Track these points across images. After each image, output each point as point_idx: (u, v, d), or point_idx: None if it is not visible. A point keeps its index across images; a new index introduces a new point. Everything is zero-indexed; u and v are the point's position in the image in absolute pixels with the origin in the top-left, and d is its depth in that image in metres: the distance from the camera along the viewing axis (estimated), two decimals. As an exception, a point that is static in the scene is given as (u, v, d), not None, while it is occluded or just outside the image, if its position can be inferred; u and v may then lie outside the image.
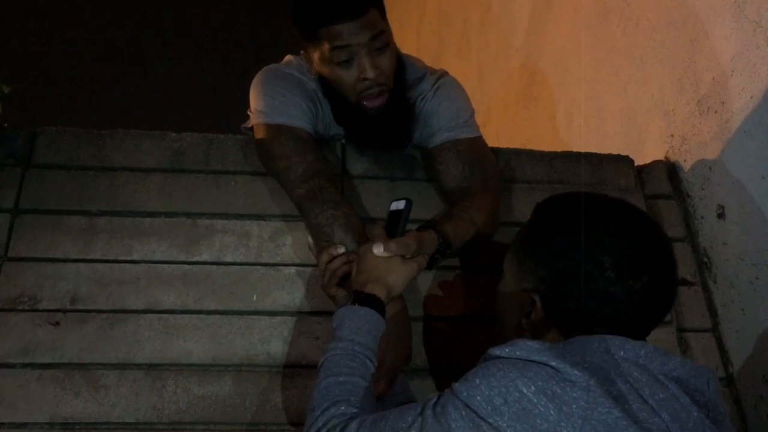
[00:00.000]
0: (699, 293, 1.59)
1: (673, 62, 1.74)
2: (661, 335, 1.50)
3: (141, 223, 1.50)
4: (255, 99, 1.55)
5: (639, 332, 1.04)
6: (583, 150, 1.75)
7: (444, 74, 1.65)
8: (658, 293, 1.02)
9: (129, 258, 1.46)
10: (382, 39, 1.44)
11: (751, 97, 1.46)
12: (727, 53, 1.54)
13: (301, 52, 1.54)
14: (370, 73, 1.43)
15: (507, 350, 0.94)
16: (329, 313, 1.43)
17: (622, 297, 0.99)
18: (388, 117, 1.50)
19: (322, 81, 1.51)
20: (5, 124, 1.59)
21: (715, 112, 1.58)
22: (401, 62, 1.54)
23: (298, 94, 1.53)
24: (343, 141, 1.66)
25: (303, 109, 1.52)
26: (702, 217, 1.63)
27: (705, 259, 1.61)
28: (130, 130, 1.61)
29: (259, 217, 1.53)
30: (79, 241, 1.46)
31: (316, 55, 1.47)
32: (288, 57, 1.64)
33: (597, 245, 1.01)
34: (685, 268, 1.61)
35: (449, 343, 1.45)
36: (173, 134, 1.62)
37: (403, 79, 1.55)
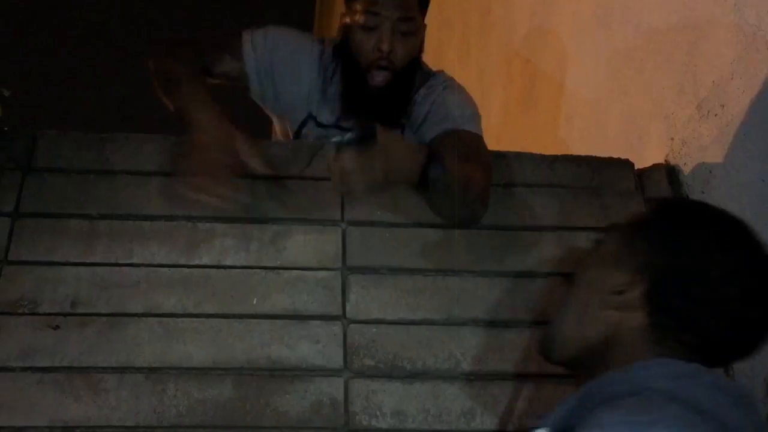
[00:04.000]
0: (699, 297, 1.59)
1: (673, 66, 1.74)
2: (662, 339, 1.49)
3: (141, 226, 1.49)
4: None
5: (722, 360, 1.01)
6: (583, 153, 1.75)
7: (452, 78, 1.75)
8: (764, 329, 0.98)
9: (129, 261, 1.46)
10: (409, 24, 1.57)
11: (752, 101, 1.46)
12: (727, 57, 1.54)
13: (341, 12, 1.67)
14: (385, 46, 1.55)
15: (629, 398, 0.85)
16: (330, 317, 1.44)
17: (734, 319, 0.95)
18: (386, 97, 1.61)
19: (344, 41, 1.63)
20: (5, 128, 1.59)
21: (715, 115, 1.58)
22: (418, 60, 1.67)
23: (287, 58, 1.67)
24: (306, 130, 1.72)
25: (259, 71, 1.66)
26: (702, 221, 1.63)
27: (705, 263, 1.61)
28: (130, 134, 1.60)
29: (259, 220, 1.53)
30: (80, 245, 1.46)
31: (348, 16, 1.61)
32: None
33: (732, 257, 0.97)
34: (686, 272, 1.60)
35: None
36: (174, 138, 1.62)
37: (413, 73, 1.66)
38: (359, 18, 1.57)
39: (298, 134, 1.78)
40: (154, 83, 1.58)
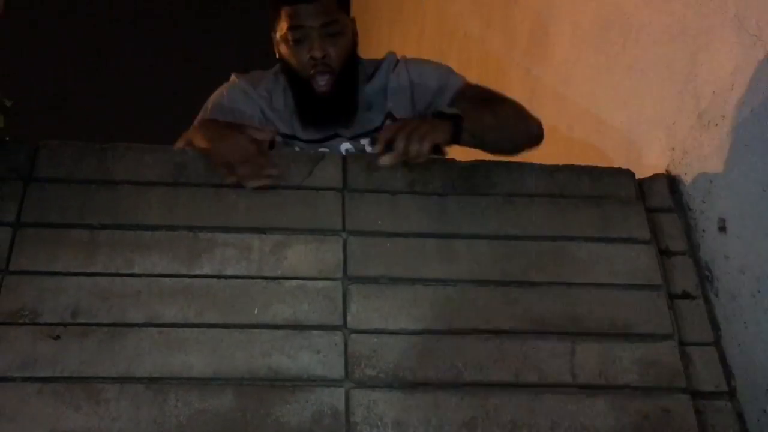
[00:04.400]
0: (701, 307, 1.58)
1: (674, 76, 1.75)
2: (663, 349, 1.49)
3: (142, 236, 1.50)
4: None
5: None
6: (584, 163, 1.75)
7: (401, 56, 1.88)
8: None
9: (130, 271, 1.46)
10: (334, 26, 1.67)
11: (752, 111, 1.46)
12: (728, 67, 1.54)
13: (271, 33, 1.76)
14: (317, 53, 1.65)
15: None
16: (331, 327, 1.44)
17: None
18: (334, 98, 1.71)
19: (282, 60, 1.75)
20: (7, 138, 1.59)
21: (716, 125, 1.58)
22: (355, 55, 1.77)
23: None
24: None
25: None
26: (703, 231, 1.63)
27: (706, 273, 1.61)
28: (132, 144, 1.61)
29: (260, 230, 1.53)
30: (81, 255, 1.46)
31: (278, 35, 1.71)
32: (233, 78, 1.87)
33: None
34: (687, 282, 1.60)
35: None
36: (175, 148, 1.63)
37: (354, 68, 1.76)
38: (286, 35, 1.67)
39: None
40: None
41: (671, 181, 1.74)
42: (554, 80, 2.57)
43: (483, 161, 1.69)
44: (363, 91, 1.82)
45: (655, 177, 1.74)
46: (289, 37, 1.67)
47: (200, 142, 1.58)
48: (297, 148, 1.79)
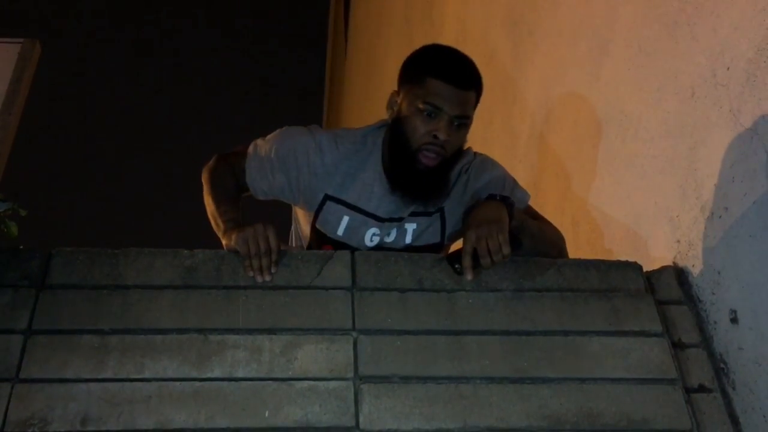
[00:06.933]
0: (718, 400, 1.56)
1: (674, 170, 1.78)
2: (683, 445, 1.46)
3: (153, 340, 1.49)
4: (265, 141, 1.84)
5: None
6: (591, 257, 1.76)
7: (476, 152, 1.92)
8: None
9: (140, 376, 1.45)
10: (464, 121, 1.70)
11: (754, 202, 1.48)
12: (727, 160, 1.57)
13: (393, 91, 1.78)
14: (441, 135, 1.66)
15: None
16: (343, 429, 1.41)
17: None
18: (432, 176, 1.72)
19: (395, 122, 1.74)
20: (21, 246, 1.62)
21: (720, 217, 1.60)
22: (461, 149, 1.79)
23: (281, 171, 1.79)
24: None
25: (269, 184, 1.82)
26: (715, 322, 1.62)
27: (722, 365, 1.59)
28: (143, 249, 1.63)
29: (270, 331, 1.53)
30: (91, 361, 1.46)
31: (407, 98, 1.71)
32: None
33: None
34: (703, 375, 1.58)
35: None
36: (185, 251, 1.64)
37: (457, 159, 1.80)
38: (420, 105, 1.67)
39: (317, 216, 1.84)
40: (204, 189, 1.81)
41: (679, 273, 1.74)
42: (557, 176, 2.61)
43: (490, 257, 1.70)
44: None
45: (663, 269, 1.75)
46: (421, 107, 1.67)
47: (227, 227, 1.66)
48: (346, 217, 1.81)
